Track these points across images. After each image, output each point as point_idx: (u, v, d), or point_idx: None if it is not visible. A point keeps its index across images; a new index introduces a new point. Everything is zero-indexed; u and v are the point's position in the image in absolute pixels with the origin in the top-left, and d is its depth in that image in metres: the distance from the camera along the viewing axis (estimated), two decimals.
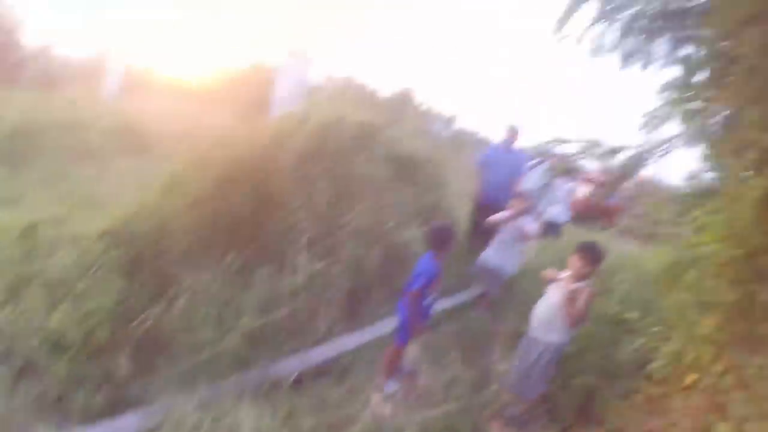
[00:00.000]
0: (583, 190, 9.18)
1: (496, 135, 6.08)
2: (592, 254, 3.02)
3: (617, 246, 6.68)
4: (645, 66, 2.89)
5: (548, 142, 3.42)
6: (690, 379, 2.13)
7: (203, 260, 3.40)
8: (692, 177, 4.04)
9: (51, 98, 10.32)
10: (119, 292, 3.05)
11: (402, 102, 9.70)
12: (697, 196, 3.82)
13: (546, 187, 6.34)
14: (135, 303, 3.09)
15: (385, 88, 10.92)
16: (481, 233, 5.18)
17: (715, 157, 2.40)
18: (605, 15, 2.76)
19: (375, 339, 3.57)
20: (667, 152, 2.87)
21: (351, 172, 4.14)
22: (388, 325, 3.65)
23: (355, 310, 3.81)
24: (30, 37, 18.12)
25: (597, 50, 2.94)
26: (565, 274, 3.11)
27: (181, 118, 8.96)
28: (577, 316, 2.98)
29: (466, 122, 22.04)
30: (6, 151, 6.41)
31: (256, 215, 3.75)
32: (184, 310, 3.09)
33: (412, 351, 3.53)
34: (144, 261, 3.33)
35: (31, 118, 7.46)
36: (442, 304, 4.22)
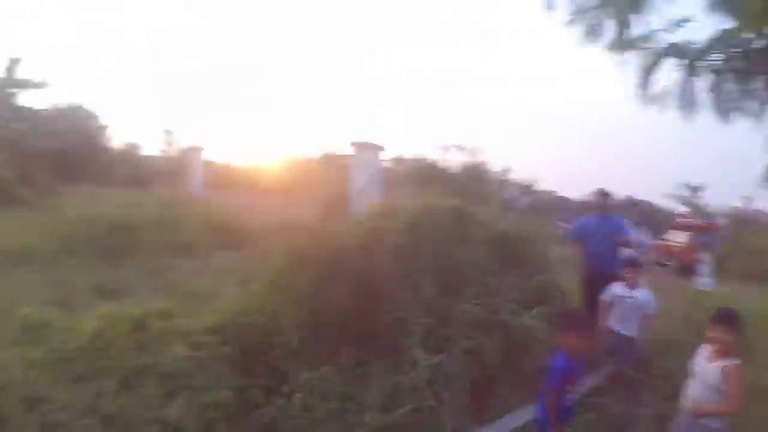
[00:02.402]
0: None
1: (573, 192, 5.71)
2: (733, 323, 2.66)
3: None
4: (747, 115, 2.66)
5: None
6: None
7: (314, 356, 3.34)
8: None
9: (142, 196, 11.10)
10: (234, 387, 3.02)
11: (476, 174, 9.62)
12: None
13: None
14: (250, 397, 3.03)
15: (454, 161, 10.78)
16: (595, 307, 4.71)
17: None
18: (689, 69, 2.58)
19: None
20: None
21: (452, 260, 3.97)
22: (519, 417, 3.23)
23: (480, 404, 3.45)
24: (116, 139, 20.29)
25: (686, 107, 2.74)
26: (709, 347, 2.74)
27: (264, 212, 9.43)
28: (733, 405, 2.54)
29: (541, 184, 21.32)
30: (106, 246, 6.79)
31: (363, 310, 3.65)
32: (304, 405, 2.96)
33: None
34: (255, 356, 3.34)
35: (127, 215, 7.97)
36: None
